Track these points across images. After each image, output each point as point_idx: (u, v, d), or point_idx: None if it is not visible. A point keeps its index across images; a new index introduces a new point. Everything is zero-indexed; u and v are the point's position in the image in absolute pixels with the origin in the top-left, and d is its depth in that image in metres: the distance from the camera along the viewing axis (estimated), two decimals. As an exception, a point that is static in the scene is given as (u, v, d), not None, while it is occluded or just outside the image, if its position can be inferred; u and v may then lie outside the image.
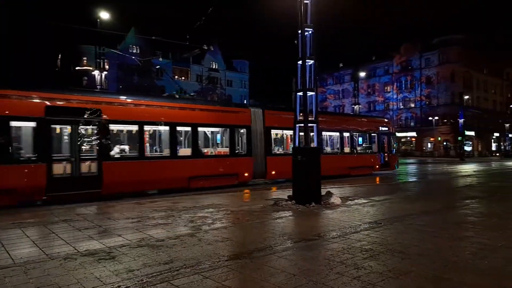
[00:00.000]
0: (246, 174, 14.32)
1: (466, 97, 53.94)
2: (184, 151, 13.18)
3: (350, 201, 9.51)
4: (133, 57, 28.52)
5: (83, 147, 10.68)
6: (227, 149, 14.23)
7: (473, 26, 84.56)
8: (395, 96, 62.75)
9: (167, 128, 12.42)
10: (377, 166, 20.20)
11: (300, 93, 9.44)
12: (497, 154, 57.92)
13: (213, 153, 14.33)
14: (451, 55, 55.94)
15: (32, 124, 9.78)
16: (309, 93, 9.41)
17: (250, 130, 14.57)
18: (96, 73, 23.11)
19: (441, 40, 56.91)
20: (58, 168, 10.12)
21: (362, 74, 56.31)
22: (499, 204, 9.52)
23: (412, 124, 60.65)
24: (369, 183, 15.41)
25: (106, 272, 4.15)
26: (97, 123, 10.71)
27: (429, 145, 58.26)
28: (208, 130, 14.40)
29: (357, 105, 45.68)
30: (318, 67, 9.85)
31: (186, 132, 13.41)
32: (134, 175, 11.40)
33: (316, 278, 3.90)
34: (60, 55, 54.87)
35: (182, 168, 12.57)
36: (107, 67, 37.03)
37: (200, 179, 12.88)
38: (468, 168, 27.46)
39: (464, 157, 42.18)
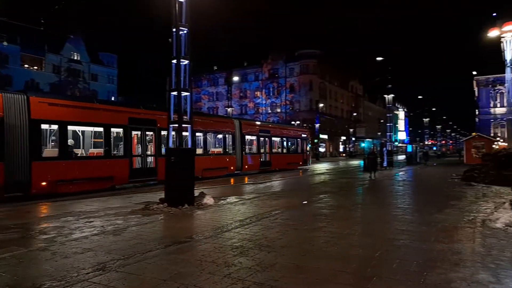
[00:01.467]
0: (232, 168, 19.71)
1: (321, 105, 61.89)
2: (199, 150, 17.16)
3: (222, 201, 9.76)
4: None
5: (147, 147, 14.61)
6: (221, 149, 19.41)
7: (326, 43, 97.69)
8: (264, 101, 67.48)
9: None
10: (301, 162, 27.65)
11: (175, 93, 9.23)
12: (344, 155, 68.17)
13: (215, 152, 18.96)
14: (309, 67, 63.50)
15: (121, 130, 13.62)
16: (184, 94, 9.28)
17: (233, 135, 19.89)
18: None
19: (302, 53, 64.08)
20: (135, 162, 14.01)
21: (235, 79, 58.78)
22: (345, 197, 11.19)
23: (278, 127, 66.14)
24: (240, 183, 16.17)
25: None
26: (153, 130, 14.73)
27: (292, 146, 64.59)
28: (212, 135, 19.02)
29: (230, 108, 47.37)
30: (193, 68, 9.82)
31: (199, 136, 17.62)
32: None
33: (187, 281, 3.85)
34: None
35: (199, 163, 15.65)
36: None
37: (208, 170, 17.37)
38: (322, 167, 31.49)
39: (319, 157, 48.24)
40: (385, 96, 32.04)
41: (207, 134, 18.18)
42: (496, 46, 17.63)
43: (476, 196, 10.48)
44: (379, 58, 31.97)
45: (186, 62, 9.34)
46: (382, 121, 77.88)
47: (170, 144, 9.47)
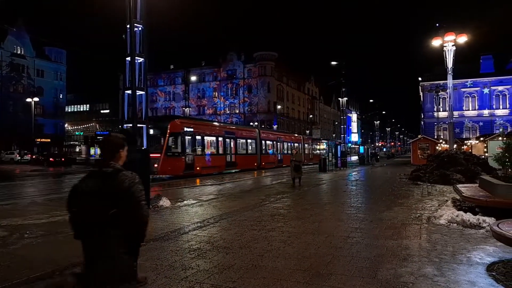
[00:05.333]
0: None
1: (279, 106, 62.89)
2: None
3: (179, 203, 9.56)
4: None
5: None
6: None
7: (283, 46, 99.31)
8: (222, 102, 67.15)
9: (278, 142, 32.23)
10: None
11: (129, 92, 8.90)
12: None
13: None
14: (267, 69, 64.18)
15: (253, 140, 28.24)
16: (139, 92, 8.98)
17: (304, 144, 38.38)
18: None
19: (259, 55, 64.58)
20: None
21: (193, 78, 57.89)
22: (303, 197, 11.41)
23: (238, 128, 66.01)
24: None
25: None
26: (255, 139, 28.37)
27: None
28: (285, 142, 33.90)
29: (187, 108, 46.60)
30: (149, 66, 9.54)
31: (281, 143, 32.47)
32: (270, 160, 30.77)
33: (143, 286, 3.71)
34: None
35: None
36: None
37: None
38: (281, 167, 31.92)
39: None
40: (339, 99, 33.24)
41: (284, 142, 33.36)
42: (440, 54, 18.95)
43: (422, 195, 11.17)
44: (333, 62, 33.08)
45: (141, 60, 9.05)
46: (336, 123, 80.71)
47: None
